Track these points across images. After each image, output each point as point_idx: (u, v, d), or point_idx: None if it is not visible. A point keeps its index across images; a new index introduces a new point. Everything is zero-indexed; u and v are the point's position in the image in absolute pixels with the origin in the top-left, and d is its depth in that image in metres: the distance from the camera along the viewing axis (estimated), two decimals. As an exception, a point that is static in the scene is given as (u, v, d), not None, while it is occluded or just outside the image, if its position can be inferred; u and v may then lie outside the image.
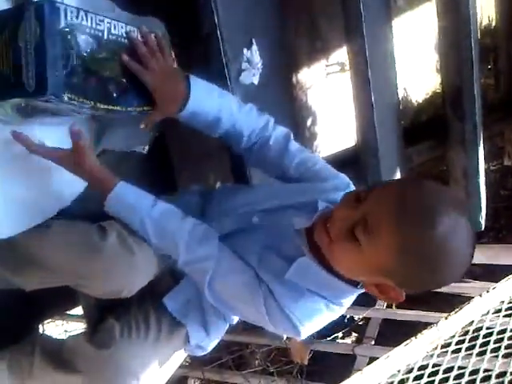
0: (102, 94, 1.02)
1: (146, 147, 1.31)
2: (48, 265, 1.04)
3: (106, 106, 1.03)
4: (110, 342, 1.10)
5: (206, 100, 1.13)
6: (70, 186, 1.18)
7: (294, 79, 2.01)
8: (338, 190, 1.13)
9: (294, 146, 1.22)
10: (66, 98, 0.93)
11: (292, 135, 1.24)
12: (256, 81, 1.49)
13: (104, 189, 1.07)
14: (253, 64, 1.47)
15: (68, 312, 2.05)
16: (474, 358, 1.44)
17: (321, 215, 1.05)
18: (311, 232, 1.04)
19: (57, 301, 1.41)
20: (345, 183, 1.19)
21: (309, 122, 2.15)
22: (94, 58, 0.99)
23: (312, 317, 1.06)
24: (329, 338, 1.92)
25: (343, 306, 1.09)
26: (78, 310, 1.97)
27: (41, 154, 1.03)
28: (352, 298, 1.10)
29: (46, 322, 1.79)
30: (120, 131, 1.27)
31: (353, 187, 1.19)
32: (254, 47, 1.48)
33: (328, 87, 2.15)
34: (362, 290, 1.06)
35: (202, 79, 1.16)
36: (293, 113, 1.94)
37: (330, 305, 1.06)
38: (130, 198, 1.08)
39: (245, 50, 1.45)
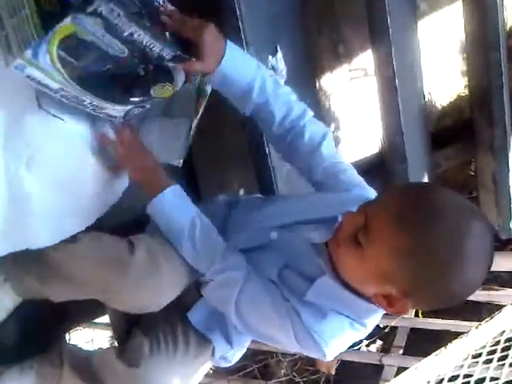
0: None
1: (181, 160, 1.29)
2: (76, 278, 1.05)
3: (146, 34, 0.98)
4: (140, 359, 1.10)
5: (241, 64, 1.12)
6: (106, 196, 1.20)
7: (317, 84, 2.00)
8: (357, 202, 1.06)
9: (328, 148, 1.17)
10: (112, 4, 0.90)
11: (331, 135, 1.20)
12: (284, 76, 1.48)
13: (162, 184, 1.11)
14: (278, 71, 1.47)
15: (95, 321, 2.07)
16: (506, 369, 1.41)
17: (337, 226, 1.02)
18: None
19: (85, 309, 1.41)
20: (365, 195, 1.11)
21: (332, 128, 2.14)
22: None
23: (337, 337, 1.03)
24: (355, 348, 1.89)
25: (367, 326, 1.06)
26: (105, 318, 1.99)
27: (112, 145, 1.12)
28: (375, 318, 1.07)
29: (72, 330, 1.81)
30: (156, 143, 1.26)
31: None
32: (279, 54, 1.47)
33: (351, 92, 2.14)
34: (383, 311, 1.02)
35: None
36: (317, 119, 1.93)
37: (355, 324, 1.03)
38: (185, 197, 1.12)
39: (270, 57, 1.45)
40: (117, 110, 1.08)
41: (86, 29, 0.92)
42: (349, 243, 0.92)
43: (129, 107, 1.08)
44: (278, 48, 1.48)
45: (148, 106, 1.12)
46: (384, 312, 1.03)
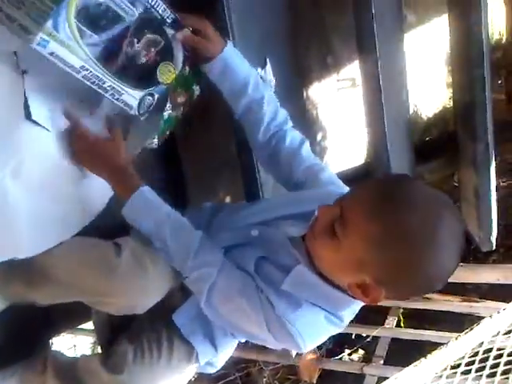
0: None
1: (155, 141, 1.26)
2: (62, 281, 1.05)
3: None
4: (124, 366, 1.11)
5: (239, 58, 1.19)
6: (93, 202, 1.20)
7: (305, 94, 2.02)
8: (335, 198, 1.08)
9: (307, 150, 1.24)
10: None
11: (307, 141, 1.26)
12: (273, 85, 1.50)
13: (131, 185, 1.09)
14: (266, 82, 1.48)
15: (78, 327, 2.06)
16: (484, 380, 1.43)
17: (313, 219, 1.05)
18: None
19: (69, 315, 1.41)
20: (342, 192, 1.12)
21: (319, 137, 2.16)
22: None
23: (312, 329, 1.05)
24: (337, 357, 1.91)
25: (343, 319, 1.08)
26: (88, 325, 1.98)
27: (80, 133, 1.08)
28: (351, 311, 1.09)
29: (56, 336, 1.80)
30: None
31: None
32: (268, 66, 1.49)
33: (339, 102, 2.16)
34: (360, 303, 1.05)
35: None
36: (304, 129, 1.95)
37: (331, 317, 1.05)
38: (154, 198, 1.11)
39: (259, 69, 1.46)
40: (133, 97, 1.08)
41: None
42: (324, 235, 0.95)
43: (142, 93, 1.09)
44: (267, 60, 1.50)
45: (156, 96, 1.12)
46: (360, 305, 1.07)
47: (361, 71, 1.86)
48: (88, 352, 2.13)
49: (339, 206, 0.94)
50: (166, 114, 1.23)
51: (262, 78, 1.48)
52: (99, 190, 1.20)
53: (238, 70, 1.18)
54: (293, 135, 1.24)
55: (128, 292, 1.06)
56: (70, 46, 0.94)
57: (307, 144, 1.25)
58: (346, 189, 1.17)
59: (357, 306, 1.08)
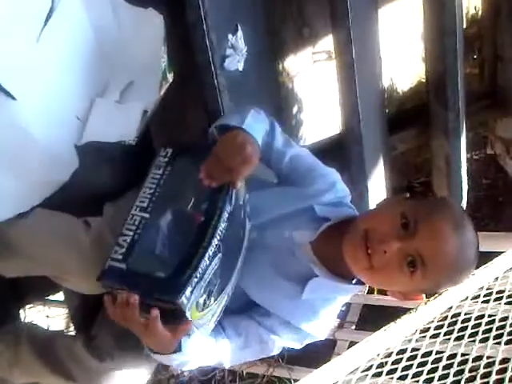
0: None
1: (136, 138, 1.28)
2: (28, 254, 1.04)
3: None
4: (108, 353, 1.11)
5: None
6: (56, 173, 1.18)
7: (280, 66, 2.01)
8: (327, 192, 1.12)
9: (280, 141, 1.16)
10: None
11: (275, 125, 1.17)
12: (241, 67, 1.48)
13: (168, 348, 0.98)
14: (237, 50, 1.47)
15: (49, 298, 2.05)
16: (451, 343, 1.47)
17: (329, 227, 1.06)
18: (316, 243, 1.06)
19: (39, 286, 1.40)
20: (331, 182, 1.14)
21: (295, 110, 2.15)
22: None
23: (330, 320, 1.13)
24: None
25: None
26: (60, 296, 1.98)
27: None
28: None
29: (26, 307, 1.79)
30: (105, 121, 1.26)
31: (339, 186, 1.15)
32: (239, 33, 1.47)
33: (315, 75, 2.15)
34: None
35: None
36: (278, 100, 1.95)
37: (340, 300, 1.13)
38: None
39: (229, 36, 1.45)
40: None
41: None
42: (393, 269, 0.96)
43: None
44: (239, 27, 1.48)
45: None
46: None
47: (334, 43, 1.85)
48: (62, 324, 2.12)
49: (414, 246, 0.94)
50: (149, 110, 1.24)
51: (232, 45, 1.47)
52: (63, 163, 1.18)
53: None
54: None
55: (89, 273, 1.02)
56: None
57: (277, 132, 1.17)
58: (328, 174, 1.15)
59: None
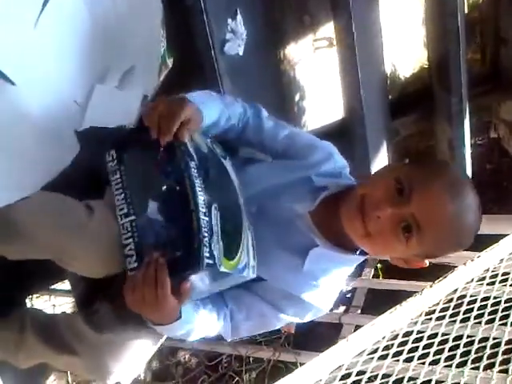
0: None
1: (133, 124, 1.29)
2: (31, 237, 1.02)
3: None
4: (108, 326, 1.10)
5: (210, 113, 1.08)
6: (57, 158, 1.18)
7: (281, 54, 2.00)
8: (324, 162, 1.11)
9: (269, 124, 1.17)
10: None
11: (262, 111, 1.19)
12: (241, 52, 1.48)
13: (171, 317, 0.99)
14: (237, 34, 1.46)
15: (55, 287, 2.05)
16: (457, 325, 1.47)
17: (328, 196, 1.05)
18: (316, 213, 1.05)
19: (43, 275, 1.40)
20: (328, 153, 1.14)
21: (297, 97, 2.15)
22: None
23: (333, 292, 1.11)
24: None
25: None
26: (65, 285, 1.98)
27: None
28: None
29: (33, 296, 1.80)
30: (105, 107, 1.26)
31: (337, 156, 1.15)
32: (239, 17, 1.46)
33: (316, 62, 2.14)
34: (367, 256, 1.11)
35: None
36: (280, 87, 1.94)
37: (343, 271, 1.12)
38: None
39: (229, 20, 1.44)
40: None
41: None
42: (389, 235, 0.95)
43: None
44: (238, 11, 1.47)
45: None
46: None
47: (335, 27, 1.84)
48: (68, 312, 2.13)
49: (409, 211, 0.93)
50: (149, 95, 1.24)
51: (232, 29, 1.46)
52: (64, 148, 1.18)
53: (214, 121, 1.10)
54: (251, 117, 1.17)
55: (95, 257, 1.03)
56: None
57: (263, 114, 1.18)
58: (324, 146, 1.16)
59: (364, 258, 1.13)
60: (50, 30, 1.20)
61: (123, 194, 1.01)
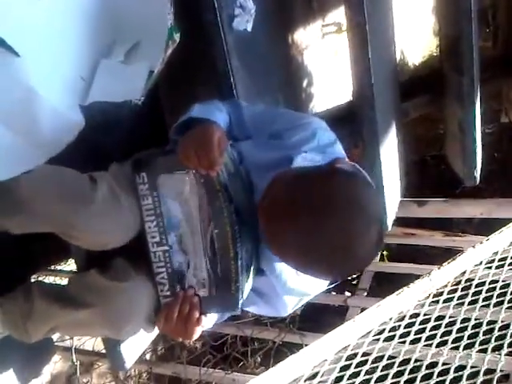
0: None
1: (142, 98, 1.27)
2: (36, 210, 1.02)
3: None
4: (126, 276, 1.08)
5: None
6: (62, 132, 1.16)
7: (289, 38, 1.97)
8: (307, 142, 1.11)
9: (249, 113, 1.19)
10: None
11: (240, 105, 1.22)
12: (250, 27, 1.45)
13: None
14: (246, 10, 1.43)
15: (61, 268, 2.06)
16: (465, 307, 1.45)
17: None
18: None
19: (48, 250, 1.40)
20: (310, 131, 1.13)
21: (305, 81, 2.12)
22: None
23: None
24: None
25: None
26: (71, 266, 1.98)
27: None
28: None
29: (37, 276, 1.79)
30: (110, 82, 1.25)
31: (321, 133, 1.14)
32: (248, -8, 1.44)
33: (324, 48, 2.12)
34: None
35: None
36: (286, 67, 1.91)
37: None
38: None
39: (238, -4, 1.41)
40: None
41: None
42: None
43: None
44: (247, -14, 1.45)
45: None
46: None
47: (345, 6, 1.81)
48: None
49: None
50: (155, 70, 1.23)
51: (241, 4, 1.44)
52: (69, 122, 1.17)
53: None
54: (231, 115, 1.19)
55: (101, 228, 1.04)
56: None
57: (242, 108, 1.21)
58: (309, 121, 1.16)
59: None
60: (56, 4, 1.19)
61: (155, 222, 1.02)
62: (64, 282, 2.13)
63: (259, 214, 0.95)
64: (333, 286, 1.89)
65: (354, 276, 2.22)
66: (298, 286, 1.13)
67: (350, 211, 0.88)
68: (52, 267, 1.89)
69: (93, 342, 2.18)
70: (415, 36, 2.50)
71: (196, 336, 1.03)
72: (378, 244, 0.93)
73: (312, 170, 1.00)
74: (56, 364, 2.27)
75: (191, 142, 0.99)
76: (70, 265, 2.05)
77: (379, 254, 2.24)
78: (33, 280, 1.50)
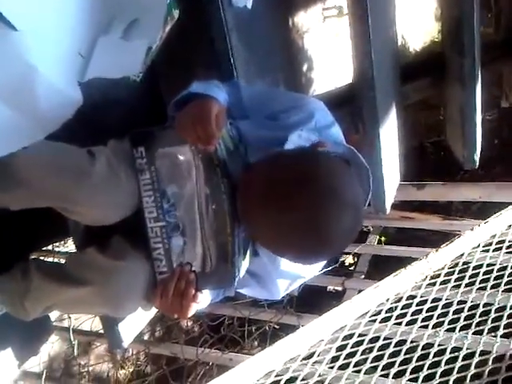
0: None
1: (140, 74, 1.27)
2: (35, 185, 1.01)
3: None
4: (123, 254, 1.07)
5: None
6: (60, 109, 1.15)
7: (290, 23, 1.96)
8: (304, 123, 1.10)
9: (247, 93, 1.19)
10: None
11: (239, 84, 1.22)
12: (249, 4, 1.43)
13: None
14: (244, -7, 1.42)
15: (60, 249, 2.06)
16: (462, 289, 1.45)
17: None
18: None
19: (46, 228, 1.39)
20: (308, 113, 1.13)
21: (305, 63, 2.11)
22: None
23: None
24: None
25: None
26: (71, 247, 1.98)
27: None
28: None
29: (36, 256, 1.79)
30: (109, 58, 1.24)
31: (318, 115, 1.13)
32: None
33: (325, 31, 2.10)
34: None
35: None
36: (287, 49, 1.90)
37: None
38: None
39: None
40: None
41: None
42: None
43: None
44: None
45: None
46: None
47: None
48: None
49: None
50: (154, 47, 1.22)
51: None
52: (68, 99, 1.16)
53: None
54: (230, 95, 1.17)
55: (101, 201, 1.03)
56: None
57: (241, 85, 1.22)
58: (306, 102, 1.17)
59: None
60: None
61: (153, 197, 1.01)
62: (62, 262, 2.14)
63: (238, 193, 0.96)
64: (328, 269, 1.90)
65: (351, 260, 2.22)
66: (291, 269, 1.13)
67: (322, 194, 0.89)
68: (50, 247, 1.88)
69: (90, 323, 2.19)
70: (417, 20, 2.49)
71: (191, 313, 1.02)
72: (353, 230, 0.94)
73: (294, 151, 1.01)
74: (54, 344, 2.28)
75: (189, 115, 0.99)
76: (69, 246, 2.05)
77: (376, 238, 2.25)
78: (31, 258, 1.51)
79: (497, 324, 1.33)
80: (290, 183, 0.89)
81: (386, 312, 1.39)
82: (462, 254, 1.54)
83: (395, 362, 1.25)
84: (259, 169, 0.95)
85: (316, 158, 0.96)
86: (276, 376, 1.19)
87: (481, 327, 1.34)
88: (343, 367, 1.26)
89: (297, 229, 0.88)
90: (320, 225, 0.88)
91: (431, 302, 1.42)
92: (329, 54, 2.11)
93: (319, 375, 1.22)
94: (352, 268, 2.48)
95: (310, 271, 1.19)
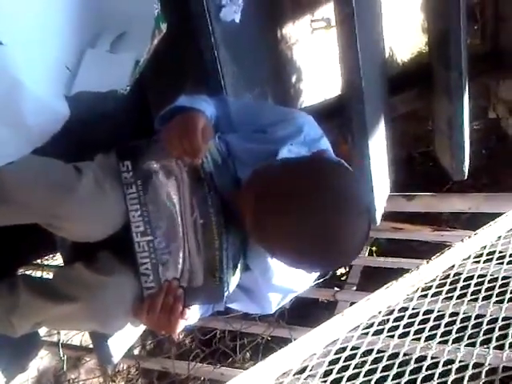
0: None
1: (128, 88, 1.27)
2: (20, 200, 1.00)
3: None
4: (112, 270, 1.06)
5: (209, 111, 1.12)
6: (47, 123, 1.14)
7: (278, 35, 1.96)
8: (293, 137, 1.11)
9: (235, 107, 1.19)
10: None
11: (227, 100, 1.22)
12: (237, 19, 1.44)
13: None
14: (234, 0, 1.42)
15: (48, 263, 2.03)
16: (453, 301, 1.45)
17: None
18: None
19: (33, 244, 1.37)
20: (297, 127, 1.13)
21: (293, 75, 2.12)
22: None
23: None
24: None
25: None
26: (58, 261, 1.96)
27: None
28: None
29: (23, 271, 1.77)
30: (96, 71, 1.23)
31: (307, 129, 1.14)
32: (236, -17, 1.42)
33: (313, 43, 2.11)
34: None
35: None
36: (274, 61, 1.91)
37: None
38: None
39: (226, -14, 1.40)
40: None
41: None
42: None
43: None
44: (235, -23, 1.43)
45: None
46: None
47: (334, 7, 1.80)
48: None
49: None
50: (141, 60, 1.22)
51: (229, -5, 1.42)
52: (54, 113, 1.15)
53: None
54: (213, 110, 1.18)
55: (87, 218, 1.02)
56: None
57: (229, 100, 1.22)
58: (296, 116, 1.17)
59: None
60: (40, -8, 1.16)
61: (139, 211, 1.00)
62: (51, 276, 2.11)
63: (242, 206, 0.94)
64: (319, 281, 1.90)
65: (343, 271, 2.22)
66: (282, 283, 1.13)
67: (337, 201, 0.88)
68: (39, 261, 1.86)
69: (80, 337, 2.16)
70: (404, 32, 2.51)
71: (179, 329, 1.01)
72: (367, 233, 0.93)
73: (297, 161, 1.00)
74: (43, 359, 2.25)
75: (175, 128, 0.99)
76: (58, 259, 2.03)
77: (368, 249, 2.25)
78: (19, 273, 1.48)
79: (489, 336, 1.33)
80: (303, 193, 0.88)
81: (379, 325, 1.38)
82: (453, 266, 1.53)
83: (388, 375, 1.24)
84: (267, 180, 0.93)
85: (324, 166, 0.95)
86: (269, 392, 1.18)
87: (473, 339, 1.34)
88: (336, 381, 1.25)
89: (314, 237, 0.87)
90: (339, 231, 0.88)
91: (423, 314, 1.41)
92: (317, 66, 2.12)
93: (312, 390, 1.21)
94: (344, 278, 2.47)
95: (302, 285, 1.18)
